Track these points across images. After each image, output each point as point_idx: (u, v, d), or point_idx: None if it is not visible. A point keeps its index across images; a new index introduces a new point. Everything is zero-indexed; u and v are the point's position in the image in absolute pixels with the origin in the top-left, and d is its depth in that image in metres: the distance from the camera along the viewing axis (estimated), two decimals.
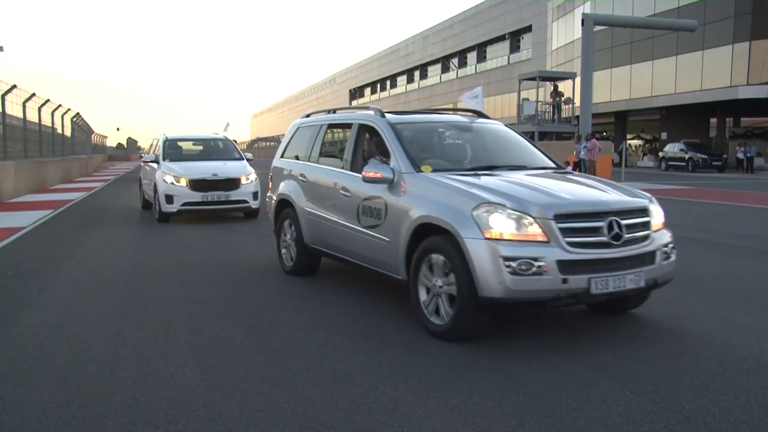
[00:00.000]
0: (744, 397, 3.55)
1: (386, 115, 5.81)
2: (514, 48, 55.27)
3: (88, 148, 41.01)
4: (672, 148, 34.99)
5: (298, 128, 7.27)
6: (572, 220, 4.25)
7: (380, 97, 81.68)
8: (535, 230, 4.17)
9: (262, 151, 79.59)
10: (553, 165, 5.79)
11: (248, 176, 11.73)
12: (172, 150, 12.53)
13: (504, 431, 3.15)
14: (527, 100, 33.07)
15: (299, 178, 6.62)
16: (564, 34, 45.45)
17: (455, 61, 63.74)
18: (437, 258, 4.50)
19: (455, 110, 6.97)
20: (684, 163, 33.42)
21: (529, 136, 30.79)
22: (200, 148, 13.56)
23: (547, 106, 33.08)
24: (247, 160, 12.88)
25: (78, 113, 32.70)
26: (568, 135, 29.24)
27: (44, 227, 11.11)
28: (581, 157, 20.98)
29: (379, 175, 5.09)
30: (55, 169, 22.98)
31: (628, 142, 40.58)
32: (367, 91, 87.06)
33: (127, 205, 14.89)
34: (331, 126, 6.79)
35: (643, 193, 4.95)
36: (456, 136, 5.97)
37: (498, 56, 57.46)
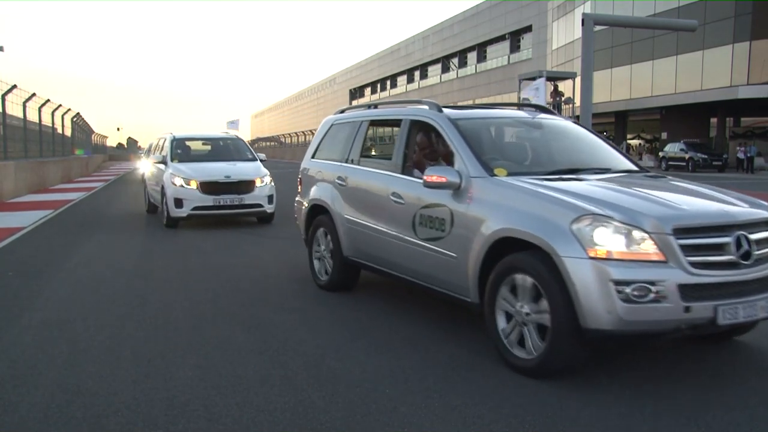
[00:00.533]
0: (744, 396, 3.54)
1: (444, 109, 5.09)
2: (515, 48, 55.24)
3: (89, 148, 41.01)
4: (672, 148, 34.99)
5: (331, 126, 6.51)
6: (694, 236, 3.57)
7: (380, 96, 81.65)
8: (649, 248, 3.50)
9: (262, 151, 79.55)
10: (636, 167, 5.09)
11: (263, 178, 10.97)
12: (180, 150, 11.74)
13: (504, 431, 3.15)
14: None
15: (336, 181, 5.88)
16: (564, 34, 45.43)
17: (455, 61, 63.71)
18: (523, 279, 3.80)
19: (516, 105, 6.34)
20: (684, 163, 33.41)
21: None
22: (210, 148, 12.71)
23: (548, 105, 33.03)
24: (261, 161, 12.03)
25: (78, 113, 32.71)
26: None
27: (44, 227, 11.10)
28: None
29: (444, 179, 4.39)
30: (55, 169, 22.98)
31: (628, 141, 40.56)
32: (368, 91, 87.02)
33: (131, 209, 14.37)
34: (374, 123, 6.12)
35: (762, 201, 4.15)
36: (526, 135, 5.32)
37: (498, 56, 57.43)
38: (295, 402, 3.48)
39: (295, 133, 71.11)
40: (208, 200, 10.52)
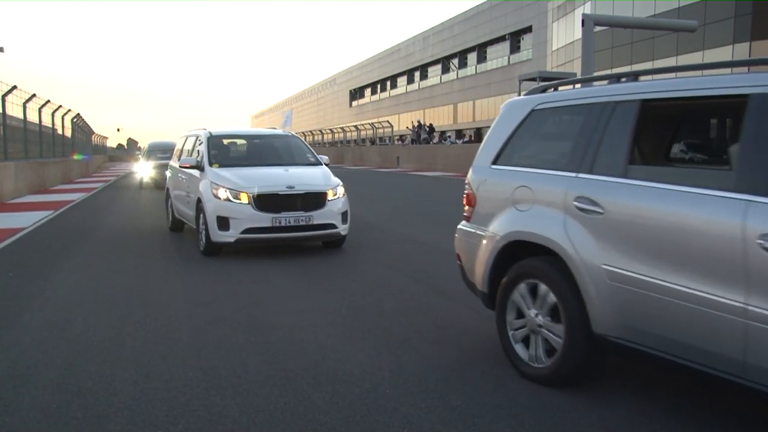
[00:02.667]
0: (745, 397, 3.54)
1: None
2: (515, 48, 55.27)
3: (89, 149, 41.01)
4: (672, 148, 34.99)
5: (531, 112, 4.21)
6: None
7: (380, 97, 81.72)
8: None
9: None
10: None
11: (335, 189, 8.29)
12: (217, 151, 8.96)
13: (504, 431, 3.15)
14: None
15: (574, 205, 3.59)
16: (564, 34, 45.45)
17: (455, 61, 63.75)
18: None
19: None
20: None
21: None
22: (257, 148, 9.61)
23: None
24: (325, 165, 9.24)
25: (78, 114, 32.71)
26: None
27: (45, 228, 11.10)
28: None
29: None
30: (55, 169, 22.99)
31: None
32: (368, 91, 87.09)
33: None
34: (650, 104, 3.54)
35: None
36: None
37: (498, 57, 57.46)
38: (295, 402, 3.48)
39: (301, 132, 71.19)
40: (265, 219, 7.74)
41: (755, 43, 32.06)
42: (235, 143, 9.73)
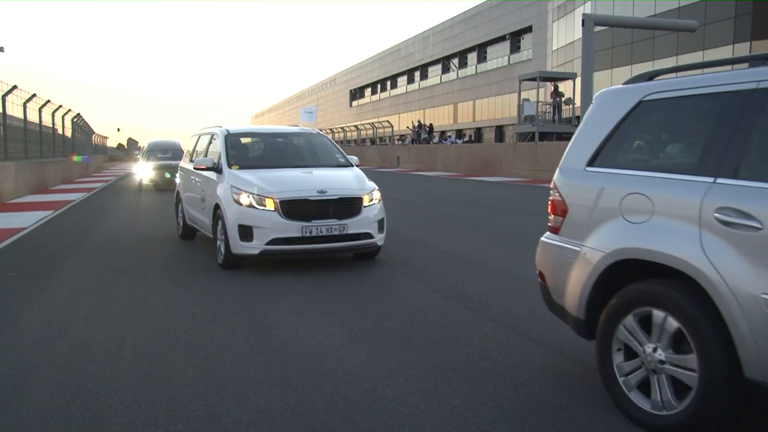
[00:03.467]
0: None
1: None
2: (515, 48, 55.27)
3: (89, 149, 41.03)
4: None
5: (639, 103, 3.50)
6: None
7: (380, 97, 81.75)
8: None
9: None
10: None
11: (371, 194, 7.35)
12: (237, 151, 8.07)
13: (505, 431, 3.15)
14: (527, 100, 33.04)
15: (718, 218, 2.88)
16: (564, 34, 45.46)
17: (455, 61, 63.75)
18: None
19: None
20: None
21: (530, 137, 30.94)
22: (279, 147, 8.68)
23: (548, 106, 33.06)
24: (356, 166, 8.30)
25: (79, 114, 32.73)
26: (569, 135, 29.18)
27: (45, 227, 11.11)
28: None
29: None
30: (55, 169, 23.00)
31: None
32: (368, 91, 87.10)
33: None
34: None
35: None
36: None
37: (498, 57, 57.47)
38: (295, 402, 3.48)
39: None
40: (294, 229, 6.80)
41: (755, 43, 32.04)
42: (255, 142, 8.77)
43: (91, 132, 44.51)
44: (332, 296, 5.94)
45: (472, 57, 61.47)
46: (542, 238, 3.92)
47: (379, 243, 7.46)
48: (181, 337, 4.68)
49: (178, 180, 10.01)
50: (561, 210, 3.75)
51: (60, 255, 8.30)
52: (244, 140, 8.55)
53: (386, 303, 5.66)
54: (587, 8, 39.87)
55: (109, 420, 3.27)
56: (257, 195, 6.93)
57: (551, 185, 3.89)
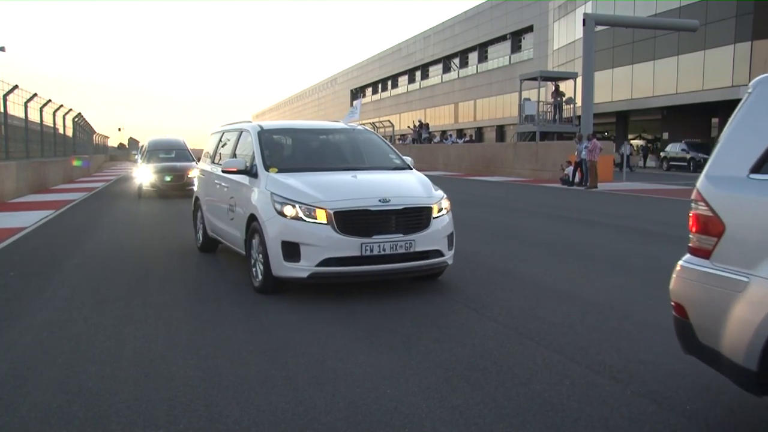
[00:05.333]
0: (746, 397, 3.54)
1: None
2: (516, 48, 55.25)
3: (90, 149, 41.05)
4: (674, 149, 34.97)
5: None
6: None
7: (381, 97, 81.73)
8: None
9: None
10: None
11: (440, 203, 6.16)
12: (271, 151, 6.79)
13: (505, 431, 3.15)
14: (528, 100, 33.04)
15: None
16: (565, 34, 45.44)
17: (456, 61, 63.73)
18: None
19: None
20: (686, 164, 33.40)
21: (531, 137, 30.92)
22: (323, 147, 7.42)
23: (549, 106, 33.06)
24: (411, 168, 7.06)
25: (80, 113, 32.75)
26: (570, 135, 29.23)
27: (46, 227, 11.11)
28: (582, 158, 20.95)
29: None
30: (56, 169, 23.02)
31: (631, 142, 40.58)
32: (369, 91, 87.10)
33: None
34: None
35: None
36: None
37: (499, 56, 57.45)
38: (296, 402, 3.48)
39: None
40: (351, 246, 5.59)
41: (756, 43, 32.01)
42: (294, 140, 7.39)
43: (91, 132, 44.52)
44: (332, 297, 5.94)
45: (473, 57, 61.45)
46: (682, 263, 3.17)
47: (449, 261, 6.25)
48: (182, 337, 4.68)
49: (195, 184, 8.95)
50: (713, 228, 2.99)
51: (61, 255, 8.30)
52: (279, 138, 7.29)
53: (386, 302, 5.66)
54: (588, 8, 39.84)
55: (110, 420, 3.28)
56: (305, 205, 5.70)
57: (694, 196, 3.16)
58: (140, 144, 32.94)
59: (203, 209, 8.30)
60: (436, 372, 3.93)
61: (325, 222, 5.63)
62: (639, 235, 10.00)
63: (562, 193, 19.23)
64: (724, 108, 35.61)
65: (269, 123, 7.46)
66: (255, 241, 6.13)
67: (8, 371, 4.00)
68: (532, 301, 5.70)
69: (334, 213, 5.62)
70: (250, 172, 6.54)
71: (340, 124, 7.97)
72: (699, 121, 37.99)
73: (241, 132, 7.44)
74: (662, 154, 36.38)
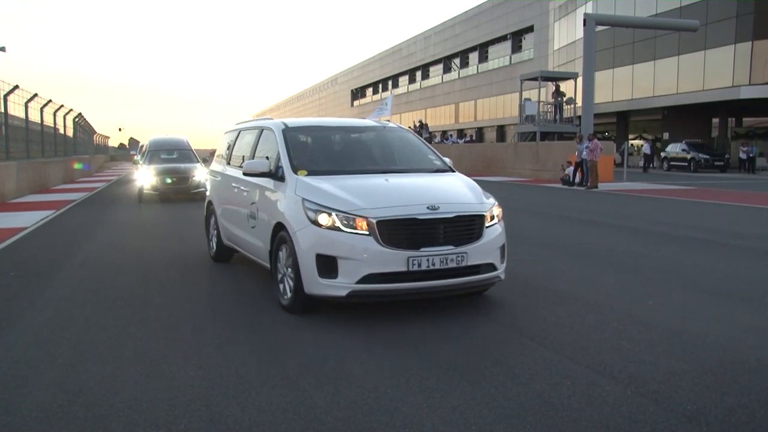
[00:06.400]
0: (746, 397, 3.54)
1: None
2: (516, 48, 55.25)
3: (90, 149, 41.08)
4: (674, 149, 34.98)
5: None
6: None
7: (382, 97, 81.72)
8: None
9: None
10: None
11: (492, 210, 5.54)
12: (298, 151, 6.10)
13: (505, 431, 3.15)
14: (529, 100, 33.05)
15: None
16: (566, 34, 45.44)
17: (457, 61, 63.74)
18: None
19: None
20: (686, 164, 33.40)
21: (531, 137, 30.91)
22: (355, 147, 6.67)
23: (549, 106, 33.06)
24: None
25: (80, 113, 32.77)
26: (570, 135, 29.24)
27: (46, 227, 11.12)
28: (583, 158, 20.95)
29: None
30: (56, 169, 23.03)
31: (630, 142, 40.58)
32: (369, 91, 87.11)
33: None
34: None
35: None
36: None
37: (500, 56, 57.45)
38: (297, 402, 3.48)
39: None
40: (397, 260, 4.96)
41: (756, 43, 32.01)
42: (322, 140, 6.65)
43: (92, 132, 44.55)
44: None
45: (473, 57, 61.46)
46: None
47: (502, 276, 5.59)
48: (183, 337, 4.69)
49: (207, 187, 8.38)
50: None
51: (62, 255, 8.30)
52: (306, 137, 6.55)
53: (388, 303, 5.65)
54: (588, 8, 39.84)
55: (111, 419, 3.28)
56: (344, 213, 5.04)
57: None
58: (140, 144, 32.54)
59: (217, 214, 7.63)
60: (436, 372, 3.93)
61: (367, 232, 4.97)
62: (639, 235, 10.00)
63: (562, 193, 19.23)
64: (725, 108, 35.67)
65: (293, 120, 6.79)
66: (283, 254, 5.50)
67: (9, 371, 4.00)
68: (532, 300, 5.70)
69: (377, 222, 4.96)
70: (276, 175, 5.88)
71: (371, 122, 7.31)
72: (699, 121, 38.00)
73: (261, 130, 6.75)
74: (662, 154, 36.37)
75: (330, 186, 5.38)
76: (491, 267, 5.37)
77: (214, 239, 7.74)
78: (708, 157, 33.16)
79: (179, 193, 16.29)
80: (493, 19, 56.77)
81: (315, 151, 6.38)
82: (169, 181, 16.18)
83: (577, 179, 21.54)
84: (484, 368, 3.99)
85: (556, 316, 5.19)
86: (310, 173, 5.66)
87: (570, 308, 5.42)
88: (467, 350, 4.34)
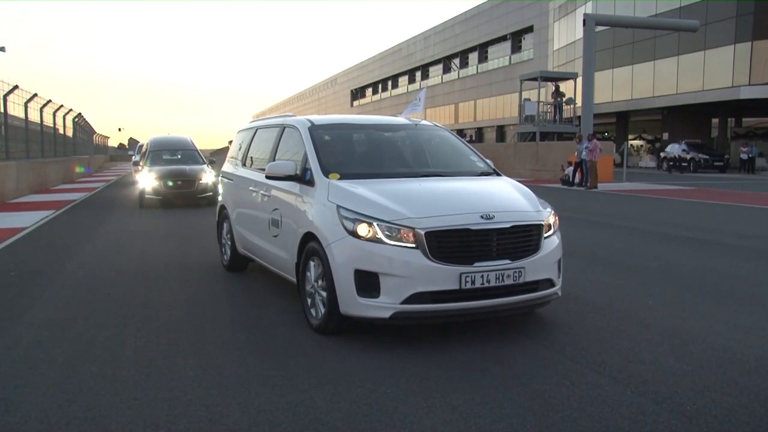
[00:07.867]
0: (746, 397, 3.54)
1: None
2: (516, 48, 55.25)
3: (90, 149, 41.08)
4: (674, 149, 34.99)
5: None
6: None
7: (381, 97, 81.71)
8: None
9: None
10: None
11: (549, 219, 4.97)
12: (326, 152, 5.44)
13: (506, 431, 3.15)
14: (529, 100, 33.06)
15: None
16: (566, 34, 45.44)
17: (457, 61, 63.73)
18: None
19: None
20: (686, 164, 33.41)
21: (531, 137, 30.91)
22: (389, 147, 6.05)
23: (549, 106, 33.08)
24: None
25: (80, 113, 32.77)
26: (570, 135, 29.26)
27: (46, 227, 11.11)
28: (583, 158, 20.96)
29: None
30: (56, 169, 23.02)
31: (630, 142, 40.60)
32: (369, 91, 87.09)
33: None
34: None
35: None
36: None
37: (499, 56, 57.45)
38: (297, 402, 3.48)
39: None
40: (448, 277, 4.35)
41: (756, 43, 32.02)
42: (354, 139, 6.04)
43: (92, 132, 44.54)
44: None
45: (473, 57, 61.45)
46: None
47: (559, 293, 5.03)
48: (183, 337, 4.69)
49: (220, 190, 7.63)
50: None
51: (61, 255, 8.30)
52: (334, 136, 5.84)
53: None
54: (588, 8, 39.84)
55: (110, 419, 3.28)
56: (386, 222, 4.42)
57: None
58: (139, 144, 31.85)
59: (231, 220, 6.97)
60: (436, 372, 3.93)
61: (413, 245, 4.35)
62: (639, 235, 10.01)
63: (562, 193, 19.23)
64: (724, 108, 35.68)
65: (318, 117, 6.14)
66: (313, 267, 4.87)
67: (9, 371, 4.00)
68: None
69: (426, 233, 4.34)
70: (303, 178, 5.24)
71: (404, 120, 6.71)
72: (699, 122, 38.01)
73: (283, 128, 6.11)
74: (662, 154, 36.38)
75: (367, 191, 4.74)
76: (549, 283, 4.79)
77: (228, 247, 7.13)
78: (708, 157, 33.18)
79: (184, 198, 14.88)
80: (493, 20, 56.77)
81: (346, 151, 5.73)
82: (172, 184, 14.72)
83: (577, 179, 21.55)
84: (484, 368, 3.99)
85: (556, 316, 5.19)
86: (343, 177, 5.04)
87: (570, 308, 5.42)
88: (467, 350, 4.34)
